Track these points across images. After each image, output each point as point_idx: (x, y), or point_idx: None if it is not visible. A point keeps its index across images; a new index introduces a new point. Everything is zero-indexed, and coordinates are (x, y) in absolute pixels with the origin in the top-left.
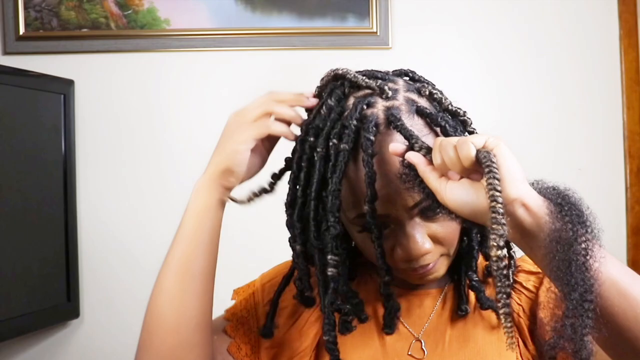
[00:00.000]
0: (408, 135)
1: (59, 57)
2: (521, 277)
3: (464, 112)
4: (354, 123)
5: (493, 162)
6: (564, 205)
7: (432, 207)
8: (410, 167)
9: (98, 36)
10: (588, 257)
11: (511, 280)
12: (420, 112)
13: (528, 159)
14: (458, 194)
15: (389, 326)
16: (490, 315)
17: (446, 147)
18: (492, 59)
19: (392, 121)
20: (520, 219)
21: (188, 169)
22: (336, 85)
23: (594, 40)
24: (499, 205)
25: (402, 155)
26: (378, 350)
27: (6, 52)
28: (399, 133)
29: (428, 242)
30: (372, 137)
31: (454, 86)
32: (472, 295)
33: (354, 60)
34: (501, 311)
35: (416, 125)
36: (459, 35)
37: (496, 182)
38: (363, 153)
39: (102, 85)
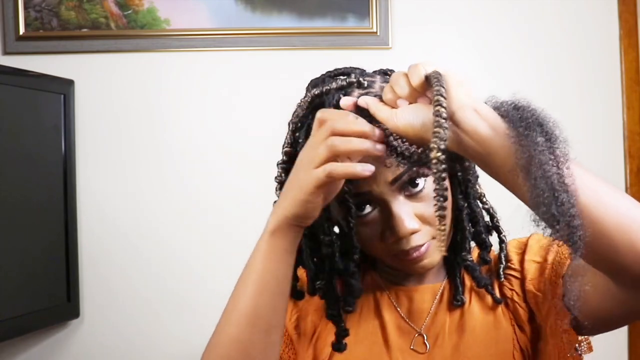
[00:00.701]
0: (365, 94)
1: (59, 57)
2: (510, 258)
3: None
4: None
5: (441, 76)
6: (518, 109)
7: (411, 182)
8: (363, 113)
9: (98, 36)
10: (550, 145)
11: (503, 243)
12: None
13: None
14: (407, 116)
15: (348, 304)
16: (486, 302)
17: (397, 77)
18: (492, 59)
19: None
20: (473, 123)
21: (188, 169)
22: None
23: (594, 40)
24: (443, 109)
25: (355, 106)
26: (382, 346)
27: (6, 52)
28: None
29: (415, 221)
30: None
31: None
32: (468, 286)
33: (354, 60)
34: (436, 213)
35: None
36: (459, 35)
37: (442, 89)
38: None
39: (102, 85)
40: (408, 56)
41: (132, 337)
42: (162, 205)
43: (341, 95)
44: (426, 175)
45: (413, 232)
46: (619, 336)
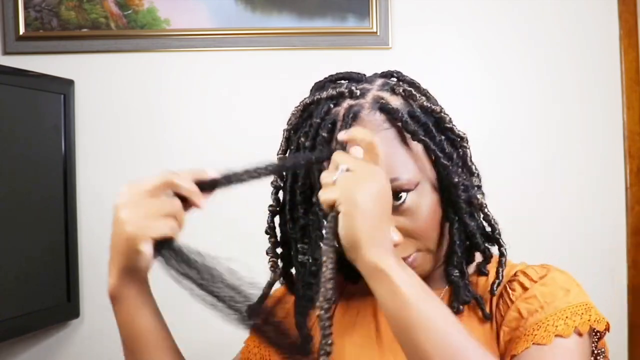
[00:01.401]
0: (354, 104)
1: (59, 57)
2: (515, 287)
3: (440, 109)
4: (317, 121)
5: (331, 229)
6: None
7: (394, 195)
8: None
9: (98, 36)
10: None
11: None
12: (382, 108)
13: (528, 159)
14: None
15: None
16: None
17: (333, 161)
18: (492, 59)
19: (346, 119)
20: (360, 264)
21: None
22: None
23: (594, 40)
24: (329, 270)
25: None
26: (374, 346)
27: (6, 52)
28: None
29: (396, 234)
30: (325, 134)
31: (454, 86)
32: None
33: (354, 61)
34: None
35: (376, 120)
36: (459, 35)
37: (330, 239)
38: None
39: (102, 85)
40: (408, 56)
41: None
42: None
43: (331, 105)
44: (408, 190)
45: (394, 245)
46: (619, 336)
